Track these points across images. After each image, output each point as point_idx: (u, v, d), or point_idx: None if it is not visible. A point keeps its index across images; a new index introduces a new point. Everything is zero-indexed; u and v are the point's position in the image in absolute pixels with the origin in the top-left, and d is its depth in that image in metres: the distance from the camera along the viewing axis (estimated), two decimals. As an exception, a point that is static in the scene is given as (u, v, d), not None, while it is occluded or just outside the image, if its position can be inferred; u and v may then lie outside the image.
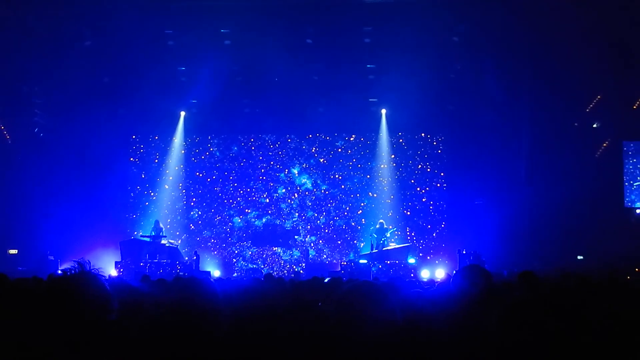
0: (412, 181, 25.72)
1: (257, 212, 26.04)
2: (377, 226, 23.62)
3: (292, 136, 26.18)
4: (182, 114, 25.57)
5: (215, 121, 25.48)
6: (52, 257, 22.01)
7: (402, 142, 25.84)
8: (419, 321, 4.06)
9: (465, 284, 4.83)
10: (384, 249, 22.89)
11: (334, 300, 3.35)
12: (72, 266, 3.06)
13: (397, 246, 23.19)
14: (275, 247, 25.55)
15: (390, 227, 23.68)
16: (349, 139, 26.08)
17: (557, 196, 21.80)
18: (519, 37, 21.20)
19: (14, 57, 21.74)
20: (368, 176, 25.93)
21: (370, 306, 3.23)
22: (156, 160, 26.24)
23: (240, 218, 26.05)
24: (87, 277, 3.00)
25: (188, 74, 23.66)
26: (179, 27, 22.02)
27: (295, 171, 26.10)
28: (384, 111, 25.16)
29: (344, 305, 3.26)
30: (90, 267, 3.07)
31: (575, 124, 23.77)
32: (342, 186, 25.98)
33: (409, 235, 24.83)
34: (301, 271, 22.90)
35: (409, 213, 25.42)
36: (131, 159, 26.20)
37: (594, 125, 23.83)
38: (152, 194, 26.01)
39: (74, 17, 21.11)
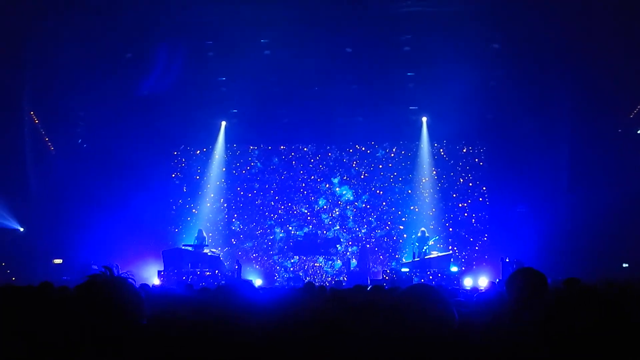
0: (454, 195, 25.50)
1: (298, 224, 26.05)
2: (419, 234, 23.45)
3: (333, 147, 26.18)
4: (223, 123, 25.77)
5: (255, 131, 25.59)
6: (95, 267, 22.17)
7: (442, 154, 25.67)
8: (470, 325, 4.01)
9: (518, 289, 4.73)
10: (425, 257, 22.72)
11: (393, 299, 3.33)
12: (100, 271, 3.04)
13: (439, 254, 22.98)
14: (316, 256, 25.49)
15: (432, 242, 23.46)
16: (389, 150, 25.97)
17: (601, 203, 21.41)
18: (560, 43, 20.93)
19: (57, 70, 22.07)
20: (409, 191, 25.79)
21: (430, 304, 3.21)
22: (197, 177, 26.48)
23: (281, 230, 26.08)
24: (116, 282, 2.98)
25: (228, 84, 23.75)
26: (218, 38, 22.15)
27: (336, 183, 26.08)
28: (424, 119, 25.04)
29: (402, 303, 3.24)
30: (118, 272, 3.05)
31: (619, 130, 23.38)
32: (384, 203, 25.88)
33: (451, 248, 24.56)
34: (343, 283, 22.73)
35: (451, 230, 25.22)
36: (173, 175, 26.46)
37: (638, 132, 23.41)
38: (194, 210, 26.20)
39: (116, 31, 21.36)
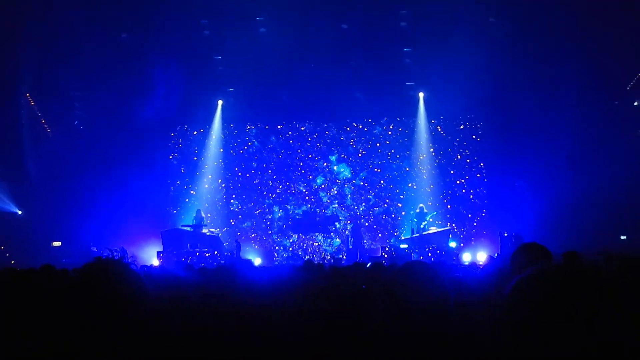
0: (452, 171, 25.47)
1: (296, 203, 26.06)
2: (417, 210, 23.48)
3: (330, 125, 26.15)
4: (220, 102, 25.70)
5: (252, 110, 25.49)
6: (94, 249, 22.27)
7: (440, 130, 25.62)
8: (467, 301, 4.01)
9: (522, 264, 4.73)
10: (424, 233, 22.75)
11: (387, 278, 3.31)
12: (106, 255, 3.04)
13: (438, 230, 23.00)
14: (315, 234, 25.53)
15: (430, 219, 23.47)
16: (387, 127, 25.95)
17: (599, 176, 21.42)
18: (558, 16, 20.86)
19: (52, 51, 22.03)
20: (407, 168, 25.73)
21: (423, 283, 3.19)
22: (195, 158, 26.45)
23: (279, 209, 26.11)
24: (117, 266, 2.97)
25: (224, 63, 23.66)
26: (214, 17, 22.06)
27: (334, 161, 26.05)
28: (421, 95, 24.97)
29: (396, 282, 3.22)
30: (126, 256, 3.05)
31: (616, 102, 23.34)
32: (381, 181, 25.84)
33: (449, 224, 24.52)
34: (343, 260, 22.76)
35: (449, 207, 25.20)
36: (170, 156, 26.44)
37: (635, 104, 23.37)
38: (192, 191, 26.22)
39: (111, 10, 21.28)
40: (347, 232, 25.23)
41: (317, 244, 25.54)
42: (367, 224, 25.49)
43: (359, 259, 21.16)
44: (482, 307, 4.10)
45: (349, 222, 25.59)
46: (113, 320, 2.84)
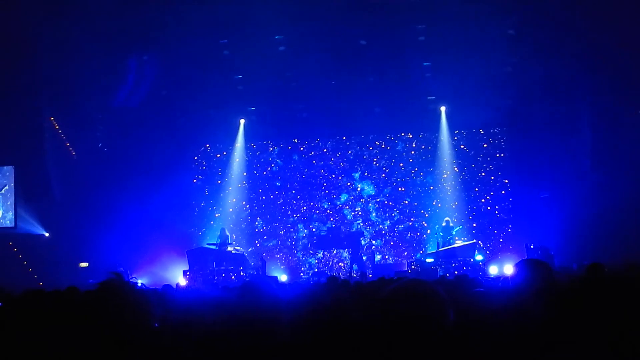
0: (476, 188, 25.30)
1: (320, 221, 26.04)
2: (443, 224, 23.36)
3: (352, 142, 26.15)
4: (242, 121, 25.79)
5: (274, 128, 25.56)
6: (121, 269, 22.37)
7: (463, 147, 25.48)
8: (476, 320, 3.92)
9: (521, 279, 4.68)
10: (450, 247, 22.60)
11: (380, 299, 3.11)
12: (110, 277, 3.08)
13: (464, 243, 22.82)
14: (340, 251, 25.43)
15: (457, 237, 23.31)
16: (409, 144, 25.87)
17: (624, 184, 21.14)
18: (576, 25, 20.75)
19: (75, 73, 22.26)
20: (432, 187, 25.57)
21: (417, 305, 3.02)
22: (219, 182, 26.55)
23: (304, 228, 26.14)
24: (123, 287, 2.98)
25: (244, 82, 23.75)
26: (233, 36, 22.18)
27: (357, 178, 26.00)
28: (443, 109, 24.87)
29: (388, 304, 3.03)
30: (128, 277, 3.09)
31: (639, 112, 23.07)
32: (405, 200, 25.70)
33: (475, 240, 24.22)
34: (370, 274, 22.67)
35: (475, 225, 24.98)
36: (194, 179, 26.54)
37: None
38: (216, 214, 26.32)
39: (131, 31, 21.51)
40: (373, 247, 25.15)
41: (342, 264, 25.43)
42: (392, 242, 25.42)
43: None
44: (493, 322, 4.00)
45: (373, 240, 25.48)
46: (118, 339, 2.85)
